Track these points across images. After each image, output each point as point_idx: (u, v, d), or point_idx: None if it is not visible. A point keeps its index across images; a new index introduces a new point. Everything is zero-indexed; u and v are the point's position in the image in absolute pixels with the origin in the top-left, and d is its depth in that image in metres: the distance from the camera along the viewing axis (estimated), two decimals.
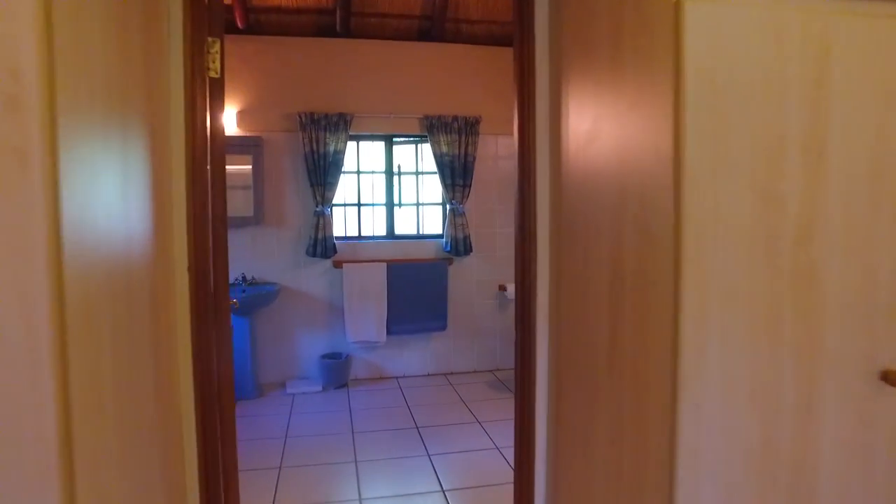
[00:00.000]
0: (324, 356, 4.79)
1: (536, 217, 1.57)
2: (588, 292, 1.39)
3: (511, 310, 5.23)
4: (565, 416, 1.55)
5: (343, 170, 4.73)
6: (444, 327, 4.99)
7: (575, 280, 1.46)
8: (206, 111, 1.51)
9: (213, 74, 1.53)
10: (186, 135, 1.44)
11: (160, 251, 1.30)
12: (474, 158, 4.91)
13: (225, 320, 1.59)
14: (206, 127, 1.50)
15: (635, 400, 1.17)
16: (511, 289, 5.08)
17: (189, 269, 1.45)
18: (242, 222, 4.63)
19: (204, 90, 1.50)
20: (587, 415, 1.41)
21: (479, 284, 5.16)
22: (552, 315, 1.60)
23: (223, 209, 1.56)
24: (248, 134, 4.62)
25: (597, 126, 1.32)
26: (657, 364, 1.08)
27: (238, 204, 4.67)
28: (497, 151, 5.14)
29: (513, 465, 3.37)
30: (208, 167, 1.52)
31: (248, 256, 4.70)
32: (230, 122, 4.58)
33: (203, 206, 1.48)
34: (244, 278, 4.61)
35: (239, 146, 4.52)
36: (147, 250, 1.20)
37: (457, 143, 4.85)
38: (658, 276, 1.07)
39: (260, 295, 4.43)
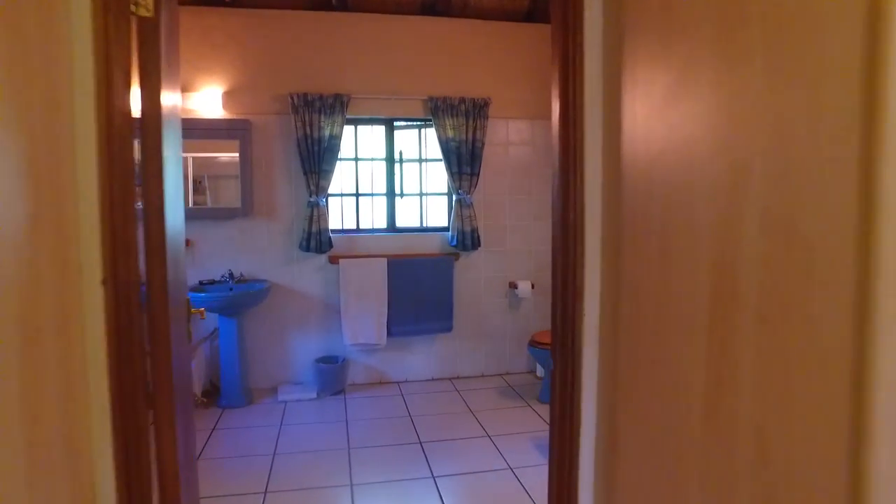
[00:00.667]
0: (319, 360, 4.39)
1: (584, 209, 1.15)
2: (666, 315, 0.97)
3: (523, 309, 4.81)
4: (624, 481, 1.14)
5: (339, 156, 4.31)
6: (449, 328, 4.59)
7: (644, 297, 1.05)
8: (129, 64, 1.09)
9: (142, 12, 1.11)
10: (98, 97, 1.03)
11: (49, 261, 0.90)
12: (483, 144, 4.48)
13: (162, 342, 1.17)
14: (128, 86, 1.08)
15: (764, 494, 0.75)
16: (522, 287, 4.66)
17: (104, 281, 1.04)
18: (229, 214, 4.22)
19: (127, 34, 1.08)
20: (662, 490, 1.00)
21: (487, 282, 4.75)
22: (604, 340, 1.19)
23: (159, 198, 1.15)
24: (234, 117, 4.20)
25: (687, 76, 0.90)
26: (813, 448, 0.67)
27: (224, 194, 4.27)
28: (508, 137, 4.71)
29: (529, 490, 2.98)
30: (135, 142, 1.10)
31: (235, 251, 4.30)
32: (215, 104, 4.16)
33: (125, 197, 1.06)
34: (231, 275, 4.21)
35: (225, 130, 4.11)
36: (18, 261, 0.79)
37: (464, 127, 4.42)
38: (818, 308, 0.66)
39: (249, 294, 4.03)
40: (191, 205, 4.20)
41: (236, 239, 4.29)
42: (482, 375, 4.79)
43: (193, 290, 4.03)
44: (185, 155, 4.14)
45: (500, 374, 4.82)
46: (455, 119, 4.41)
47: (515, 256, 4.78)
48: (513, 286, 4.72)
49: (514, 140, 4.72)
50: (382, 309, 4.42)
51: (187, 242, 4.19)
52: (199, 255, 4.23)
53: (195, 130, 4.04)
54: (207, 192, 4.31)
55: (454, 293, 4.59)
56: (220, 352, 4.10)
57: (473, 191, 4.49)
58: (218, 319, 4.09)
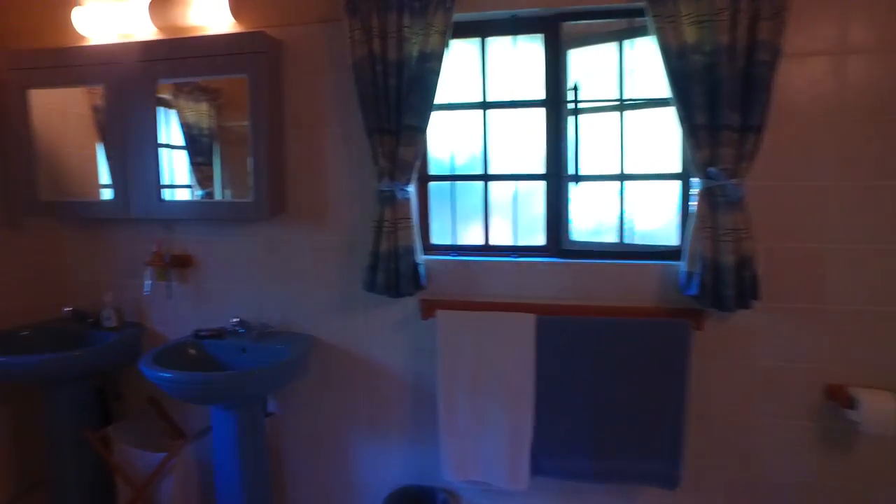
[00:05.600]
0: (393, 496, 2.24)
1: None
2: None
3: (861, 454, 1.94)
4: None
5: (438, 100, 2.07)
6: (673, 478, 2.04)
7: None
8: None
9: None
10: None
11: None
12: (776, 57, 1.81)
13: None
14: None
15: None
16: (871, 403, 1.84)
17: None
18: (237, 214, 2.26)
19: None
20: None
21: (769, 377, 2.07)
22: None
23: None
24: (245, 30, 2.23)
25: None
26: None
27: (232, 178, 2.33)
28: (847, 35, 1.93)
29: None
30: None
31: (252, 283, 2.36)
32: (219, 11, 2.24)
33: None
34: (244, 325, 2.29)
35: (225, 58, 2.15)
36: None
37: (726, 19, 1.81)
38: None
39: (277, 365, 2.04)
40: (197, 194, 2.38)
41: (255, 260, 2.36)
42: None
43: (157, 360, 2.19)
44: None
45: None
46: (702, 1, 1.83)
47: (848, 326, 2.00)
48: (840, 398, 1.97)
49: (858, 42, 1.93)
50: (523, 417, 2.09)
51: (188, 260, 2.39)
52: (203, 283, 2.40)
53: (188, 62, 2.18)
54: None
55: (686, 398, 2.03)
56: (216, 474, 2.21)
57: (746, 170, 1.85)
58: (211, 412, 2.20)
